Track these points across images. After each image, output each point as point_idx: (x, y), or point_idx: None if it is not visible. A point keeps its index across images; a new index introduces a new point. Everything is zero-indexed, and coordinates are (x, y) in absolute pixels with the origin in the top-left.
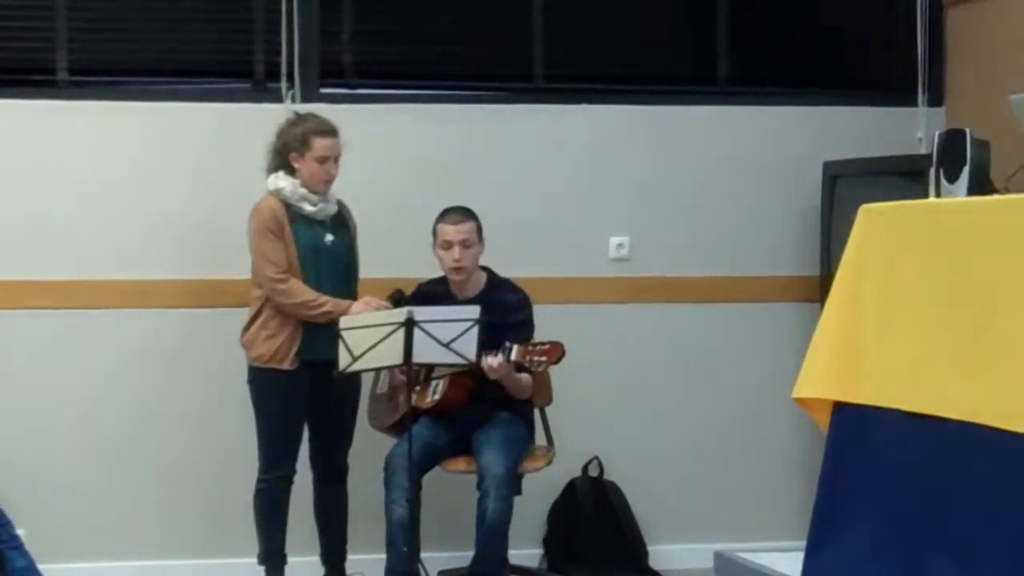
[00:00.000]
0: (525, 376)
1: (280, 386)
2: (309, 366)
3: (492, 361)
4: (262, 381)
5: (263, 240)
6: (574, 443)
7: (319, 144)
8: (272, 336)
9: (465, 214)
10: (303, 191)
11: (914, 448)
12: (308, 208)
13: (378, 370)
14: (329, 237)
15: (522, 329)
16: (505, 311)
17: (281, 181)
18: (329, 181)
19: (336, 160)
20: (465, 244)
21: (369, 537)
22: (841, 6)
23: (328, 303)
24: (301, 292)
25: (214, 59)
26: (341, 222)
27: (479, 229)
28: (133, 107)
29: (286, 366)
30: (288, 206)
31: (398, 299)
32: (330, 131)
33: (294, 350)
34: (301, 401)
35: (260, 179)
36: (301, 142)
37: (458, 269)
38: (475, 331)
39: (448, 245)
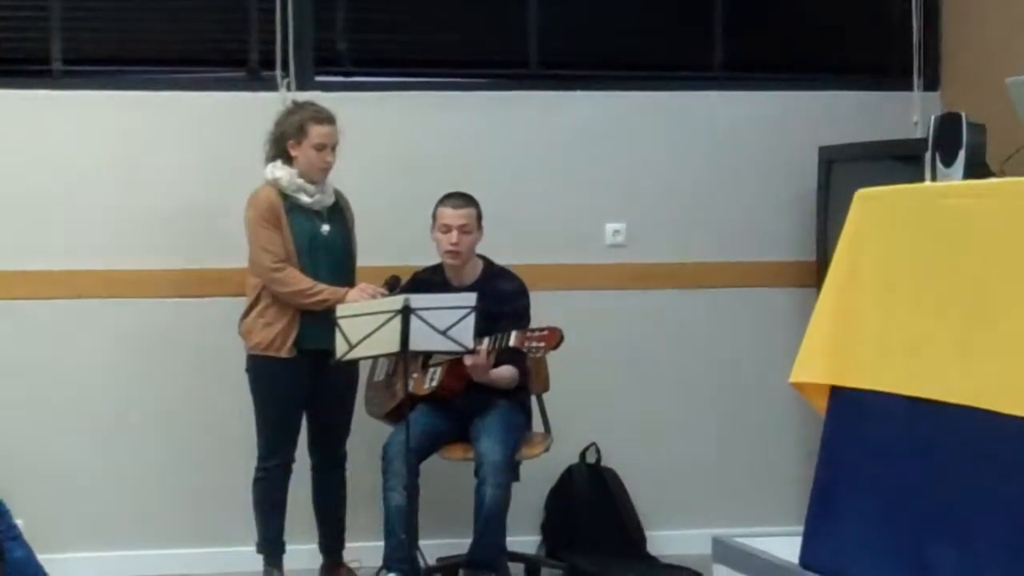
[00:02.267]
0: (505, 370)
1: (278, 374)
2: (307, 354)
3: (468, 360)
4: (260, 369)
5: (259, 230)
6: (571, 429)
7: (316, 132)
8: (269, 324)
9: (466, 200)
10: (300, 181)
11: (911, 432)
12: (304, 199)
13: (375, 358)
14: (326, 227)
15: (517, 319)
16: (501, 300)
17: (278, 171)
18: (326, 169)
19: (333, 148)
20: (464, 229)
21: (367, 524)
22: None
23: (325, 291)
24: (298, 280)
25: (209, 48)
26: (338, 212)
27: (479, 216)
28: (128, 96)
29: (283, 354)
30: (284, 196)
31: (394, 285)
32: (327, 119)
33: (291, 338)
34: (299, 389)
35: (256, 167)
36: (298, 130)
37: (454, 253)
38: (471, 318)
39: (447, 229)
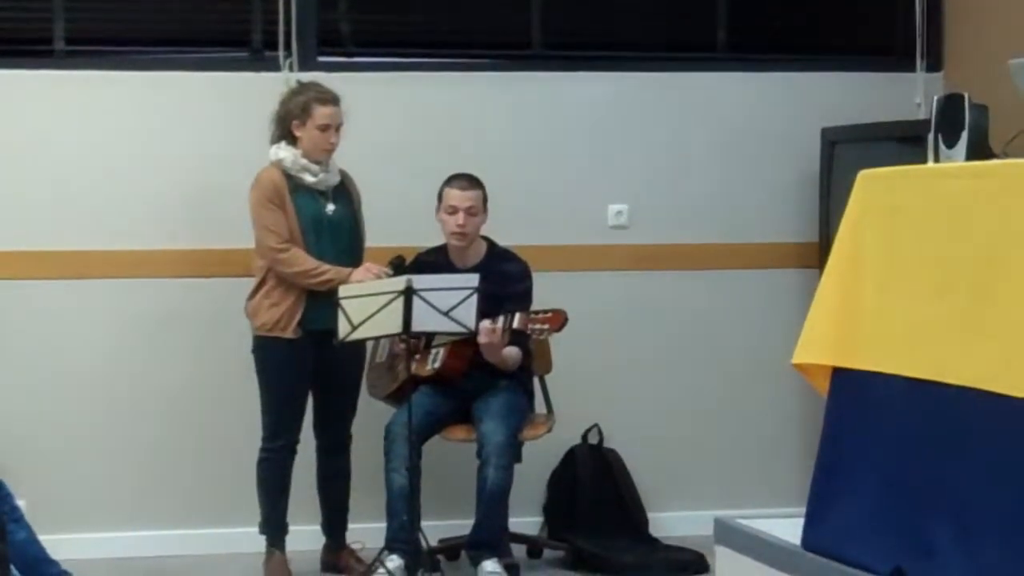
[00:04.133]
0: (512, 351)
1: (283, 355)
2: (312, 335)
3: (487, 323)
4: (265, 350)
5: (264, 210)
6: (574, 411)
7: (320, 112)
8: (275, 305)
9: (473, 182)
10: (304, 161)
11: (914, 414)
12: (309, 179)
13: (377, 339)
14: (331, 207)
15: (521, 300)
16: (505, 281)
17: (282, 152)
18: (330, 150)
19: (338, 129)
20: (470, 211)
21: (369, 506)
22: None
23: (329, 271)
24: (302, 261)
25: (211, 28)
26: (343, 192)
27: (485, 199)
28: (130, 77)
29: (289, 335)
30: (289, 176)
31: (398, 265)
32: (332, 99)
33: (297, 319)
34: (304, 370)
35: (258, 148)
36: (302, 110)
37: (461, 235)
38: (474, 299)
39: (453, 210)
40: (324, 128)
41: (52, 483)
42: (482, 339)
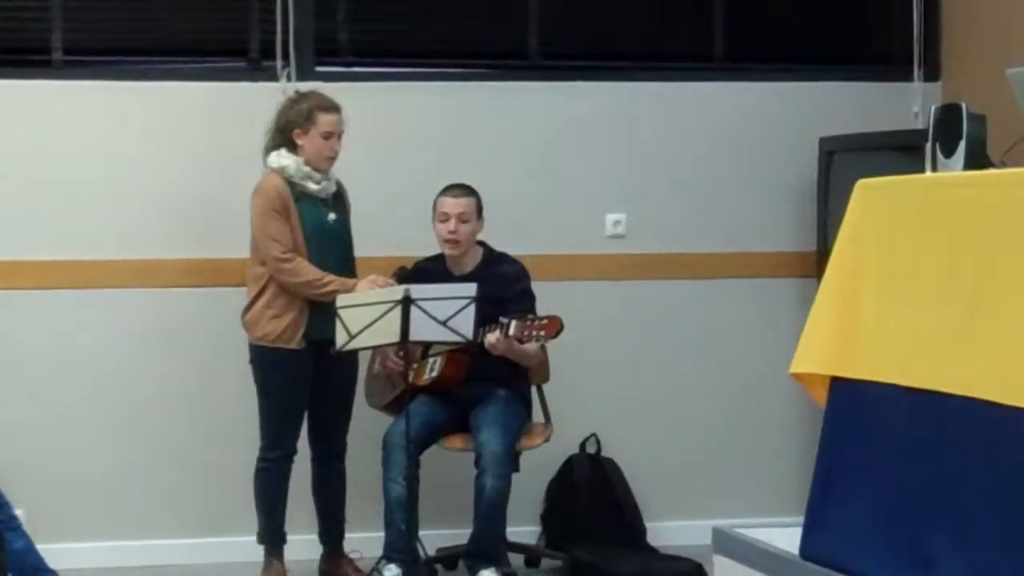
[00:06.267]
0: (530, 345)
1: (285, 365)
2: (313, 345)
3: (491, 337)
4: (267, 360)
5: (268, 219)
6: (572, 420)
7: (324, 120)
8: (278, 316)
9: (466, 190)
10: (307, 169)
11: (912, 423)
12: (312, 186)
13: (375, 348)
14: (332, 216)
15: (524, 298)
16: (505, 283)
17: (284, 159)
18: (333, 158)
19: (339, 137)
20: (462, 218)
21: (367, 515)
22: None
23: (334, 282)
24: (307, 271)
25: (209, 38)
26: (340, 201)
27: (479, 207)
28: (128, 87)
29: (293, 345)
30: (291, 184)
31: (402, 277)
32: (334, 107)
33: (301, 330)
34: (304, 380)
35: (256, 158)
36: (306, 118)
37: (453, 243)
38: (472, 309)
39: (445, 217)
40: (327, 136)
41: (50, 492)
42: (496, 353)
